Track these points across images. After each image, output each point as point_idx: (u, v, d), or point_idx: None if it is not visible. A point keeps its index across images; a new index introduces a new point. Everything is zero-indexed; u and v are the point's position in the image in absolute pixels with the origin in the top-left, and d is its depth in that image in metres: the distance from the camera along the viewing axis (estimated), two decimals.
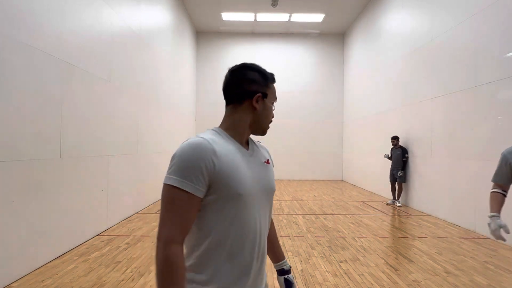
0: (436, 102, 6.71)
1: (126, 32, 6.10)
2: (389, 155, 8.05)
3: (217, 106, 13.56)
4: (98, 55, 5.01)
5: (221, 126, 1.15)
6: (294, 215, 6.60)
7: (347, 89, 13.29)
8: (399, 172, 7.65)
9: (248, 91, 1.12)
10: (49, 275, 3.49)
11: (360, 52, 11.77)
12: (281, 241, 4.80)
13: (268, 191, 1.17)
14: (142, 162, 6.96)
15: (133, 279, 3.40)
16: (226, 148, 1.05)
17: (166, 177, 1.00)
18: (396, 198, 7.92)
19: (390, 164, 8.03)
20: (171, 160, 1.02)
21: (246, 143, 1.17)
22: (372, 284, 3.35)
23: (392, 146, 8.00)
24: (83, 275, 3.49)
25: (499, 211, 2.26)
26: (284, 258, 1.38)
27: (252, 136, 1.22)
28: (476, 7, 5.57)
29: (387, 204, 7.96)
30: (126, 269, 3.67)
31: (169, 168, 1.01)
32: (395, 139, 7.87)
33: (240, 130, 1.13)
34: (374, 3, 10.44)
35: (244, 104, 1.12)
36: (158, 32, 8.19)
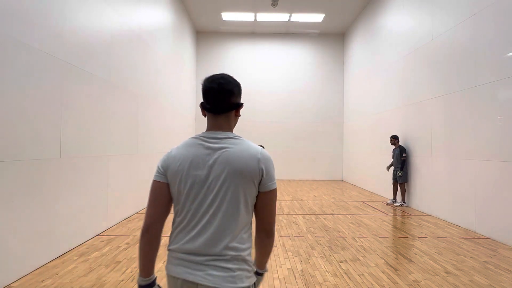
0: (436, 102, 6.71)
1: (126, 32, 6.10)
2: (389, 165, 8.07)
3: None
4: (98, 55, 5.00)
5: (230, 130, 1.34)
6: (294, 215, 6.60)
7: (347, 89, 13.29)
8: (398, 172, 7.67)
9: (238, 103, 1.35)
10: (49, 275, 3.49)
11: (360, 52, 11.77)
12: (281, 241, 4.81)
13: None
14: (142, 162, 6.96)
15: (133, 279, 3.40)
16: None
17: (275, 183, 1.30)
18: (396, 198, 7.93)
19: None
20: (271, 166, 1.29)
21: None
22: (372, 284, 3.35)
23: (392, 146, 8.01)
24: (83, 275, 3.49)
25: None
26: None
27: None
28: (476, 7, 5.57)
29: (387, 204, 7.96)
30: (126, 269, 3.67)
31: (274, 175, 1.30)
32: (393, 138, 7.90)
33: None
34: (374, 3, 10.44)
35: (233, 112, 1.34)
36: (158, 32, 8.19)
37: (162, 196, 1.30)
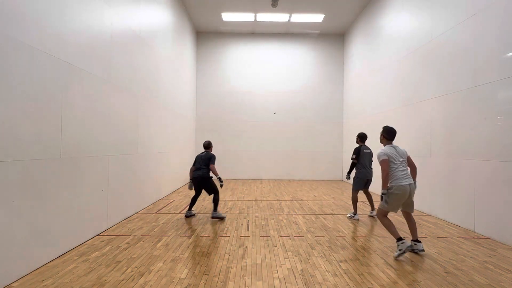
0: (436, 102, 6.71)
1: (126, 32, 6.11)
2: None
3: (217, 106, 13.59)
4: (98, 55, 5.01)
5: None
6: (294, 215, 6.60)
7: (347, 89, 13.30)
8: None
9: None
10: (49, 275, 3.49)
11: (360, 52, 11.77)
12: (281, 241, 4.81)
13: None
14: (142, 162, 6.97)
15: (133, 279, 3.41)
16: None
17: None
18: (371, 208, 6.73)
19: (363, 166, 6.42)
20: None
21: None
22: (372, 284, 3.36)
23: (360, 144, 6.63)
24: (83, 275, 3.50)
25: None
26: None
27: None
28: (476, 7, 5.58)
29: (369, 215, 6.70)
30: (126, 269, 3.68)
31: None
32: (358, 137, 6.68)
33: None
34: (374, 3, 10.44)
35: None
36: (158, 32, 8.19)
37: (388, 164, 4.26)
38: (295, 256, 4.18)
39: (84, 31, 4.63)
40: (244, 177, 13.52)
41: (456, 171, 6.00)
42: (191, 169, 6.38)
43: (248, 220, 6.12)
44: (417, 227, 4.55)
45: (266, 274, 3.57)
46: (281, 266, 3.81)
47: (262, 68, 13.63)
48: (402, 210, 4.43)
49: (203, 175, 6.14)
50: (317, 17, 12.04)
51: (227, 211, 6.92)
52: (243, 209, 7.23)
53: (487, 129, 5.25)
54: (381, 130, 4.64)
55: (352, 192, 6.44)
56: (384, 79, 9.51)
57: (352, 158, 6.48)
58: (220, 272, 3.63)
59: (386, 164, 4.21)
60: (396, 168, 4.22)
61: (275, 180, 13.21)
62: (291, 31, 13.46)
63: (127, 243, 4.64)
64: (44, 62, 3.76)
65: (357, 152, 6.42)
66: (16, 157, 3.33)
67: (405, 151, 4.43)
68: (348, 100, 13.21)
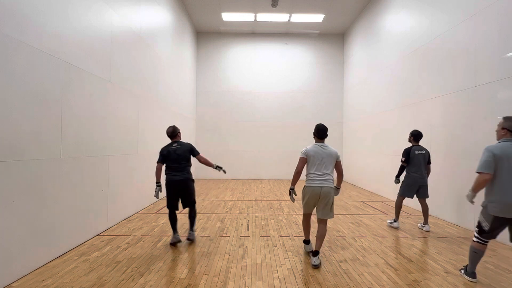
0: (436, 102, 6.72)
1: (126, 32, 6.10)
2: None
3: (217, 106, 13.58)
4: (98, 55, 5.01)
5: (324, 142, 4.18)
6: (294, 215, 6.60)
7: (347, 89, 13.30)
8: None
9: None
10: (49, 275, 3.49)
11: (360, 52, 11.77)
12: (281, 241, 4.81)
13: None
14: (142, 162, 6.96)
15: (133, 279, 3.41)
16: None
17: (339, 158, 4.22)
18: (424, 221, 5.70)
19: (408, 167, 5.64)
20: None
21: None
22: (372, 284, 3.36)
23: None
24: (84, 275, 3.50)
25: None
26: None
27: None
28: (476, 7, 5.58)
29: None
30: (126, 269, 3.68)
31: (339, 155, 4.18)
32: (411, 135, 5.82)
33: None
34: (374, 3, 10.44)
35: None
36: (158, 32, 8.19)
37: (304, 163, 4.08)
38: (295, 256, 4.18)
39: (84, 31, 4.63)
40: (244, 177, 13.52)
41: (456, 171, 6.00)
42: (158, 168, 4.88)
43: (248, 220, 6.12)
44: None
45: (266, 274, 3.57)
46: (281, 266, 3.81)
47: (262, 68, 13.63)
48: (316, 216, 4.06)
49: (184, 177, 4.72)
50: (317, 17, 12.04)
51: (227, 211, 6.92)
52: (243, 209, 7.23)
53: (486, 129, 5.24)
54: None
55: (397, 196, 5.71)
56: (384, 79, 9.51)
57: (401, 161, 5.62)
58: (220, 272, 3.63)
59: (301, 162, 4.06)
60: (313, 168, 3.99)
61: (275, 180, 13.21)
62: (291, 31, 13.46)
63: (127, 243, 4.64)
64: (44, 62, 3.76)
65: (406, 154, 5.57)
66: (15, 157, 3.33)
67: (336, 154, 4.01)
68: (348, 100, 13.20)
